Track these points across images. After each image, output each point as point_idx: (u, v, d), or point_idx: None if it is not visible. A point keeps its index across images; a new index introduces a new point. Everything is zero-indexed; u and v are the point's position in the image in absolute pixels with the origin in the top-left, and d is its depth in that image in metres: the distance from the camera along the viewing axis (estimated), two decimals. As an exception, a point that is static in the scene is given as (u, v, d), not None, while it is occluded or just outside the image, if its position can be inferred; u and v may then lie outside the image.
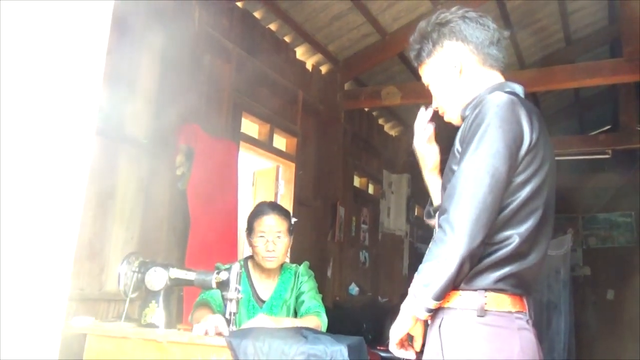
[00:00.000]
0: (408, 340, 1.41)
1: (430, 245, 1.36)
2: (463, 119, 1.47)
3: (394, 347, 1.39)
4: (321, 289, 2.39)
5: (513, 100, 1.35)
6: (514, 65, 6.09)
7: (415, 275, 1.31)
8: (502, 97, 1.35)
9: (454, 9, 1.52)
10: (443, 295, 1.28)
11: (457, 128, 1.48)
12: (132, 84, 3.08)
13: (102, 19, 0.92)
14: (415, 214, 7.33)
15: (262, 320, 2.06)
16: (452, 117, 1.56)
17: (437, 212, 1.45)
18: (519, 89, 1.46)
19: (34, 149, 0.82)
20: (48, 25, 0.84)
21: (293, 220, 2.41)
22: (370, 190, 6.60)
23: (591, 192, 8.09)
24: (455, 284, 1.29)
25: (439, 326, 1.33)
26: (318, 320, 2.24)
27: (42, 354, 0.81)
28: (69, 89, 0.87)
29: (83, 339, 2.00)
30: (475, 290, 1.31)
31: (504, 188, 1.29)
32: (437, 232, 1.33)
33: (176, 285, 2.13)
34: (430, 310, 1.30)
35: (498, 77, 1.51)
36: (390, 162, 6.92)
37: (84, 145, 0.88)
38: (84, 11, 0.89)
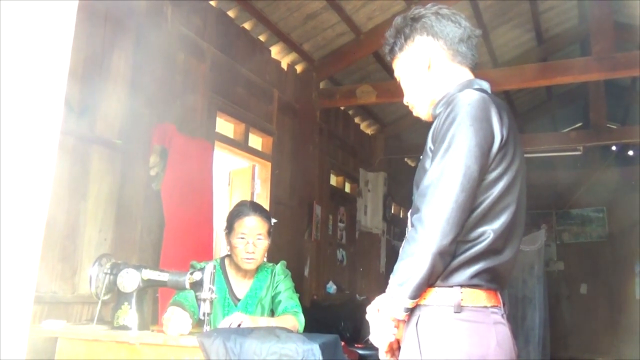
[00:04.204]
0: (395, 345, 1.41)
1: (403, 244, 1.37)
2: (434, 117, 1.48)
3: (383, 355, 1.40)
4: (298, 287, 2.39)
5: (484, 98, 1.36)
6: (487, 64, 6.17)
7: (391, 276, 1.32)
8: (473, 96, 1.36)
9: (428, 5, 1.55)
10: (419, 293, 1.29)
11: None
12: (104, 84, 3.04)
13: (67, 14, 0.90)
14: (392, 212, 7.37)
15: (238, 317, 2.06)
16: (420, 112, 1.58)
17: (410, 211, 1.47)
18: (486, 85, 1.48)
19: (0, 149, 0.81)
20: (11, 22, 0.83)
21: (273, 221, 2.40)
22: (347, 188, 6.62)
23: (564, 188, 8.25)
24: (430, 281, 1.30)
25: (416, 324, 1.33)
26: (295, 320, 2.24)
27: (9, 357, 0.80)
28: (33, 86, 0.86)
29: (54, 342, 1.98)
30: (451, 286, 1.31)
31: (476, 186, 1.30)
32: (409, 231, 1.34)
33: (149, 286, 2.11)
34: (407, 310, 1.31)
35: (467, 74, 1.52)
36: (366, 161, 6.95)
37: (49, 144, 0.87)
38: (48, 7, 0.88)
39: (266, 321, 2.16)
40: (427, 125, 1.57)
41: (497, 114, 1.35)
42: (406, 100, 1.61)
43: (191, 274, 2.02)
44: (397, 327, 1.36)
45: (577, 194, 8.17)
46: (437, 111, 1.46)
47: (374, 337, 1.37)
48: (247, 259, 2.27)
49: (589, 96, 6.74)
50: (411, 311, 1.34)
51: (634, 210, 7.25)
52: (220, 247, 4.16)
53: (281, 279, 2.34)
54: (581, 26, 6.29)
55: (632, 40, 5.31)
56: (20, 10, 0.84)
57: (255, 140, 4.66)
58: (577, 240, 8.81)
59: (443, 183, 1.28)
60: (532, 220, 8.04)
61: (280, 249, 4.37)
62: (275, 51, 4.91)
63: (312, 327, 2.40)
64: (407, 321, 1.36)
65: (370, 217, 6.79)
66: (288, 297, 2.31)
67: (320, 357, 1.66)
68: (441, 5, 1.55)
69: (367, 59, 5.55)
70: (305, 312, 2.33)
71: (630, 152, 7.93)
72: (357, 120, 6.84)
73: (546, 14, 5.97)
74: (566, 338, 7.94)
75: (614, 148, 7.99)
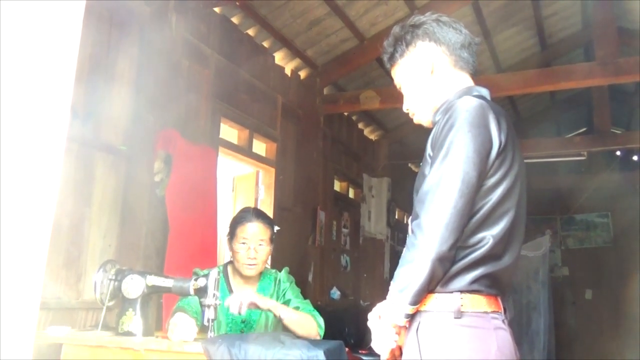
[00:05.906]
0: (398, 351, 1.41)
1: (403, 251, 1.38)
2: (433, 123, 1.49)
3: None
4: (302, 293, 2.38)
5: (482, 105, 1.37)
6: (491, 69, 6.17)
7: (391, 282, 1.33)
8: (471, 102, 1.37)
9: (428, 13, 1.57)
10: (419, 299, 1.30)
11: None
12: (109, 90, 3.06)
13: (73, 19, 0.91)
14: (396, 217, 7.37)
15: (249, 296, 2.07)
16: (421, 118, 1.58)
17: (410, 218, 1.47)
18: (485, 92, 1.49)
19: (6, 154, 0.81)
20: (18, 26, 0.84)
21: (275, 228, 2.40)
22: (351, 194, 6.62)
23: (568, 193, 8.22)
24: (430, 287, 1.30)
25: (417, 330, 1.33)
26: (314, 320, 2.20)
27: (14, 364, 0.80)
28: (40, 92, 0.86)
29: (59, 349, 1.98)
30: (451, 292, 1.32)
31: (475, 192, 1.31)
32: (409, 238, 1.34)
33: (154, 292, 2.11)
34: (408, 316, 1.32)
35: (468, 80, 1.54)
36: (370, 166, 6.95)
37: (55, 150, 0.88)
38: (55, 12, 0.88)
39: (280, 307, 2.14)
40: (431, 131, 1.57)
41: (495, 120, 1.36)
42: (406, 107, 1.61)
43: (195, 280, 2.02)
44: (398, 333, 1.36)
45: (581, 199, 8.14)
46: (436, 118, 1.47)
47: (375, 344, 1.38)
48: (249, 264, 2.26)
49: (592, 101, 6.73)
50: (412, 317, 1.34)
51: (639, 215, 7.23)
52: (224, 253, 4.16)
53: (287, 287, 2.33)
54: (585, 31, 6.30)
55: (636, 46, 5.31)
56: (26, 14, 0.85)
57: (259, 146, 4.67)
58: (582, 246, 8.77)
59: (441, 189, 1.29)
60: (536, 226, 8.01)
61: (284, 254, 4.36)
62: (279, 57, 4.93)
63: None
64: (407, 327, 1.36)
65: (374, 223, 6.79)
66: (300, 301, 2.28)
67: (325, 364, 1.66)
68: (441, 14, 1.57)
69: (370, 64, 5.56)
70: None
71: (635, 157, 7.91)
72: (360, 125, 6.84)
73: (550, 19, 5.98)
74: (571, 344, 7.90)
75: (618, 153, 7.97)
